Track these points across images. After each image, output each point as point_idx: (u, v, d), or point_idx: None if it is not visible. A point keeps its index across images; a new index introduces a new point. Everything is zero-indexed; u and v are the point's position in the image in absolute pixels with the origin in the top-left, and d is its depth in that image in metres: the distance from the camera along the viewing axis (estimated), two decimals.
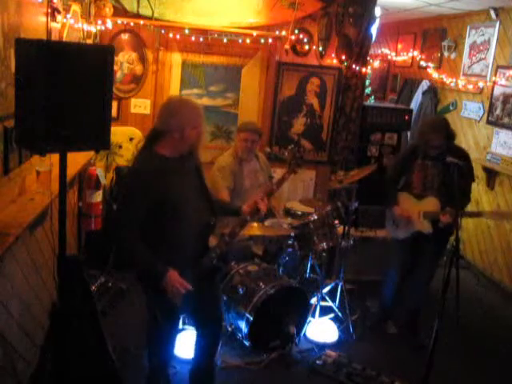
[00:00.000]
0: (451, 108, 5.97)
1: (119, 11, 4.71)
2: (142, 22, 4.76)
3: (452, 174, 3.30)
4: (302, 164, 2.98)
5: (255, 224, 3.62)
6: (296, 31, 5.06)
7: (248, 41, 4.94)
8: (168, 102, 2.66)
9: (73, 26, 3.73)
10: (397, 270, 3.82)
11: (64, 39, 3.50)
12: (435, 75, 6.13)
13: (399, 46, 7.55)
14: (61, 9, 3.34)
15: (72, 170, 3.20)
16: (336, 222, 3.90)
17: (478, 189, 5.36)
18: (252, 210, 2.81)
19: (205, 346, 2.89)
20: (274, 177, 4.31)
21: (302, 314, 3.60)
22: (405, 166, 3.71)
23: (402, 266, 3.79)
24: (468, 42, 5.69)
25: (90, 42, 4.36)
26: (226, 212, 3.00)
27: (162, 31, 4.85)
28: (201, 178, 2.73)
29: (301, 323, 3.60)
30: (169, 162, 2.53)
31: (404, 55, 7.23)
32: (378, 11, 5.68)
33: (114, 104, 4.82)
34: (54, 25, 3.26)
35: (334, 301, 4.01)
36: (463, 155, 3.48)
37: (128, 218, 2.47)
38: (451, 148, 3.49)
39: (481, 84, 5.36)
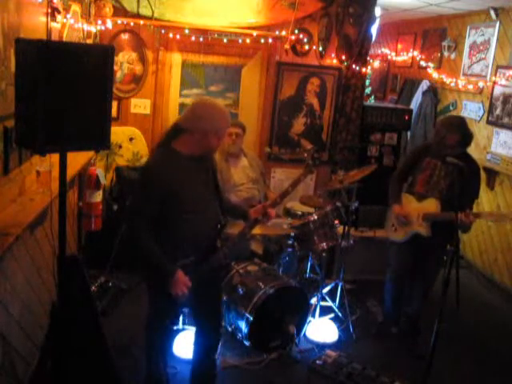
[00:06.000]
0: (451, 108, 5.97)
1: (119, 11, 4.71)
2: (142, 22, 4.76)
3: (451, 173, 3.29)
4: (319, 165, 2.97)
5: None
6: (296, 31, 5.06)
7: (248, 41, 4.94)
8: (201, 103, 2.62)
9: (73, 26, 3.73)
10: (393, 275, 3.72)
11: (64, 39, 3.50)
12: (435, 75, 6.13)
13: (399, 46, 7.55)
14: (61, 9, 3.34)
15: (72, 170, 3.19)
16: (336, 221, 3.90)
17: None
18: (259, 215, 2.82)
19: (204, 345, 2.89)
20: (264, 173, 4.33)
21: (302, 314, 3.60)
22: (414, 164, 3.58)
23: (399, 269, 3.67)
24: (468, 41, 5.69)
25: (90, 41, 4.36)
26: (235, 215, 2.98)
27: (162, 31, 4.84)
28: (215, 179, 2.73)
29: (301, 323, 3.60)
30: (185, 159, 2.53)
31: (404, 55, 7.23)
32: (378, 11, 5.68)
33: (114, 104, 4.81)
34: (54, 25, 3.25)
35: (334, 301, 4.01)
36: (473, 169, 3.34)
37: (141, 213, 2.47)
38: (467, 156, 3.37)
39: (481, 84, 5.36)
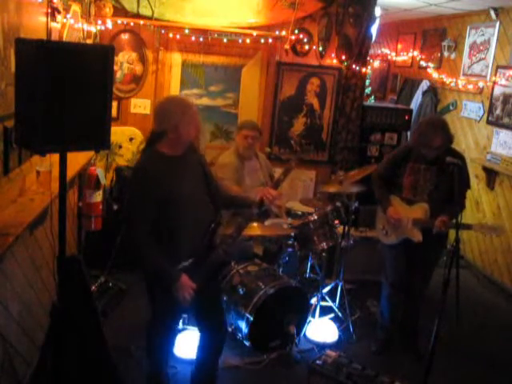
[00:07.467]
0: (451, 108, 5.97)
1: (119, 11, 4.71)
2: (142, 22, 4.76)
3: (451, 173, 3.28)
4: (299, 163, 2.95)
5: (255, 224, 3.62)
6: (296, 31, 5.06)
7: (248, 41, 4.94)
8: (159, 104, 2.68)
9: (73, 26, 3.73)
10: (389, 279, 3.62)
11: (64, 39, 3.50)
12: (435, 75, 6.13)
13: (399, 46, 7.55)
14: (61, 9, 3.34)
15: (72, 170, 3.19)
16: (336, 222, 3.90)
17: (477, 189, 5.36)
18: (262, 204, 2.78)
19: (208, 348, 2.88)
20: (272, 174, 4.33)
21: (302, 313, 3.60)
22: (397, 168, 3.51)
23: (393, 273, 3.58)
24: (468, 41, 5.69)
25: (90, 41, 4.36)
26: (243, 204, 2.93)
27: (162, 31, 4.85)
28: (205, 171, 2.71)
29: (301, 323, 3.60)
30: (171, 160, 2.53)
31: (404, 55, 7.23)
32: (377, 11, 5.68)
33: (114, 104, 4.82)
34: (54, 25, 3.26)
35: (334, 301, 4.01)
36: (461, 160, 3.25)
37: (138, 219, 2.47)
38: (450, 150, 3.34)
39: (481, 84, 5.36)
